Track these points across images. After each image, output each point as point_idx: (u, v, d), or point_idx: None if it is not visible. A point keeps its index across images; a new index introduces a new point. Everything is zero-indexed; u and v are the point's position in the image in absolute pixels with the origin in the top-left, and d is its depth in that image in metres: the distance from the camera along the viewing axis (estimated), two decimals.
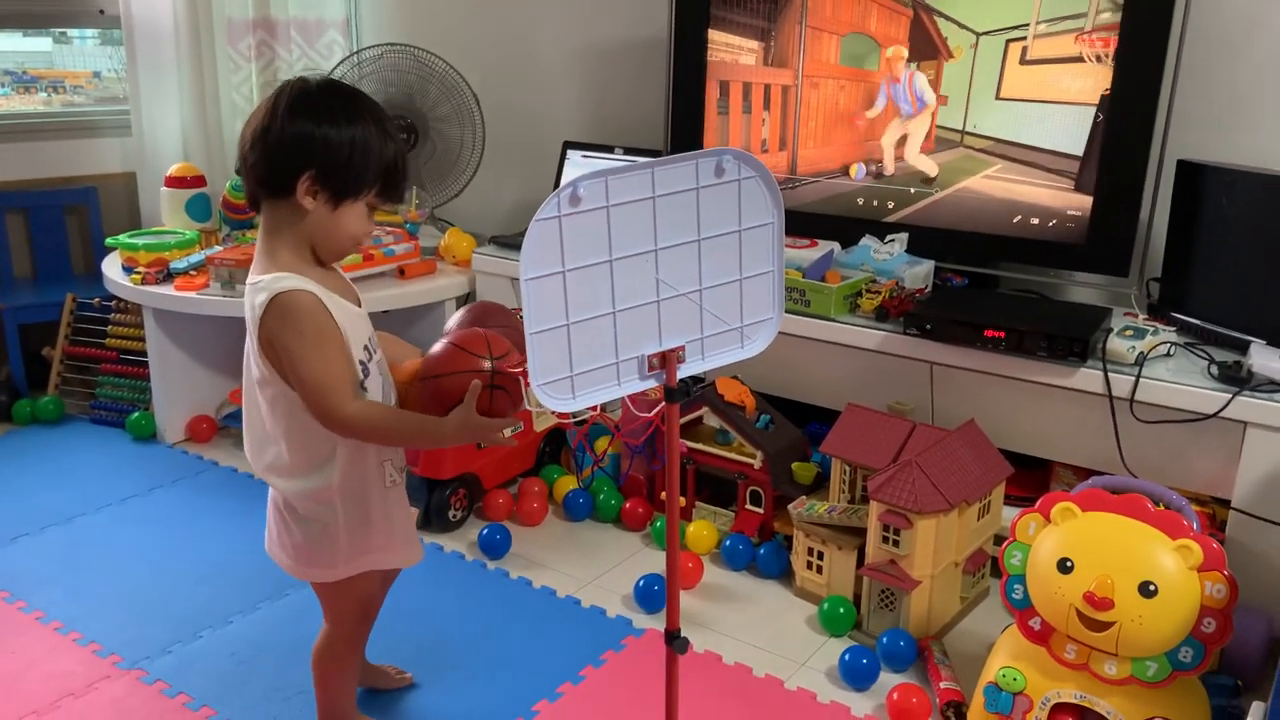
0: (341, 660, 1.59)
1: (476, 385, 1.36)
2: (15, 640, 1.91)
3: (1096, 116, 2.19)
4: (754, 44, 2.61)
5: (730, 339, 1.30)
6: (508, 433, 1.40)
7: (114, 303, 2.91)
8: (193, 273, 2.65)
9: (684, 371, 1.27)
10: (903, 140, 2.46)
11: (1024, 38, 2.26)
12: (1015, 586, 1.60)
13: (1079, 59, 2.20)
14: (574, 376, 1.19)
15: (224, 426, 2.86)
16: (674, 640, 1.33)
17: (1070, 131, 2.23)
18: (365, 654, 1.73)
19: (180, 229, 2.89)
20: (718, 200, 1.24)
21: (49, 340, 2.97)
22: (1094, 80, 2.18)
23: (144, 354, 2.78)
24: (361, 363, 1.41)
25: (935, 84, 2.39)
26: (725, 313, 1.29)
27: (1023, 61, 2.27)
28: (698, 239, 1.23)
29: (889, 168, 2.48)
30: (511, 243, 2.91)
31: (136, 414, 2.79)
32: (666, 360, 1.24)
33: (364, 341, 1.44)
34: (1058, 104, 2.24)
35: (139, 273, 2.65)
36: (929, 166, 2.43)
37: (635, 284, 1.20)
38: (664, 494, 2.38)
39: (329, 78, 1.41)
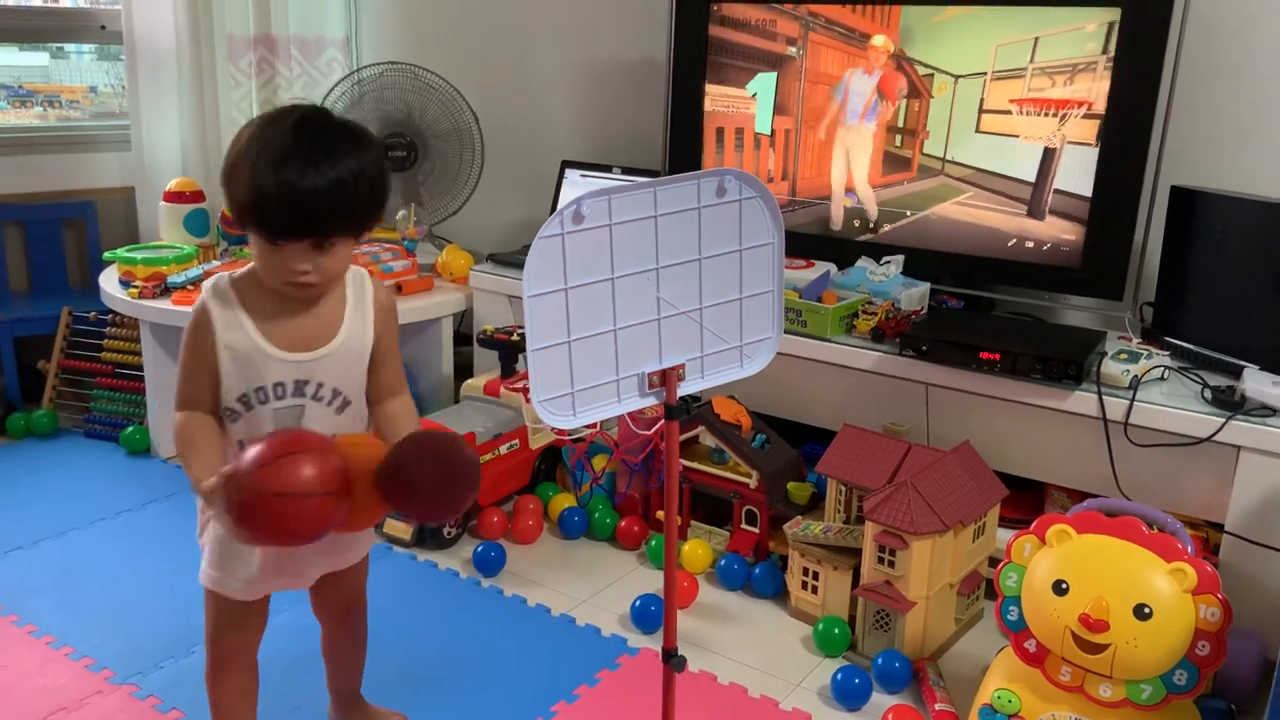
0: (210, 678, 1.48)
1: (228, 472, 1.19)
2: (7, 654, 1.90)
3: (1090, 143, 2.21)
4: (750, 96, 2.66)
5: (730, 357, 1.31)
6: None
7: (110, 316, 2.91)
8: (190, 287, 2.65)
9: (684, 389, 1.27)
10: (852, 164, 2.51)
11: (1015, 72, 2.29)
12: (1010, 608, 1.60)
13: (1047, 110, 2.23)
14: (575, 393, 1.20)
15: None
16: (671, 658, 1.33)
17: (1063, 161, 2.26)
18: (350, 692, 1.71)
19: (178, 244, 2.90)
20: (719, 220, 1.25)
21: (44, 354, 2.97)
22: (1089, 102, 2.21)
23: (140, 368, 2.78)
24: (242, 396, 1.31)
25: (920, 118, 2.42)
26: (725, 331, 1.30)
27: (994, 107, 2.30)
28: (699, 258, 1.25)
29: (838, 199, 2.52)
30: (509, 260, 2.92)
31: (131, 428, 2.78)
32: (667, 378, 1.25)
33: (268, 382, 1.32)
34: (1037, 137, 2.27)
35: (136, 287, 2.65)
36: (872, 200, 2.47)
37: (636, 302, 1.21)
38: (660, 513, 2.39)
39: (294, 105, 1.30)
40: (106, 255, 2.82)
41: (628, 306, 1.21)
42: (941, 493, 1.89)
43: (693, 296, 1.26)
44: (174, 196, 2.95)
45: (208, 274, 2.64)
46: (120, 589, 2.13)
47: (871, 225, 2.54)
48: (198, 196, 2.99)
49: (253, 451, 1.17)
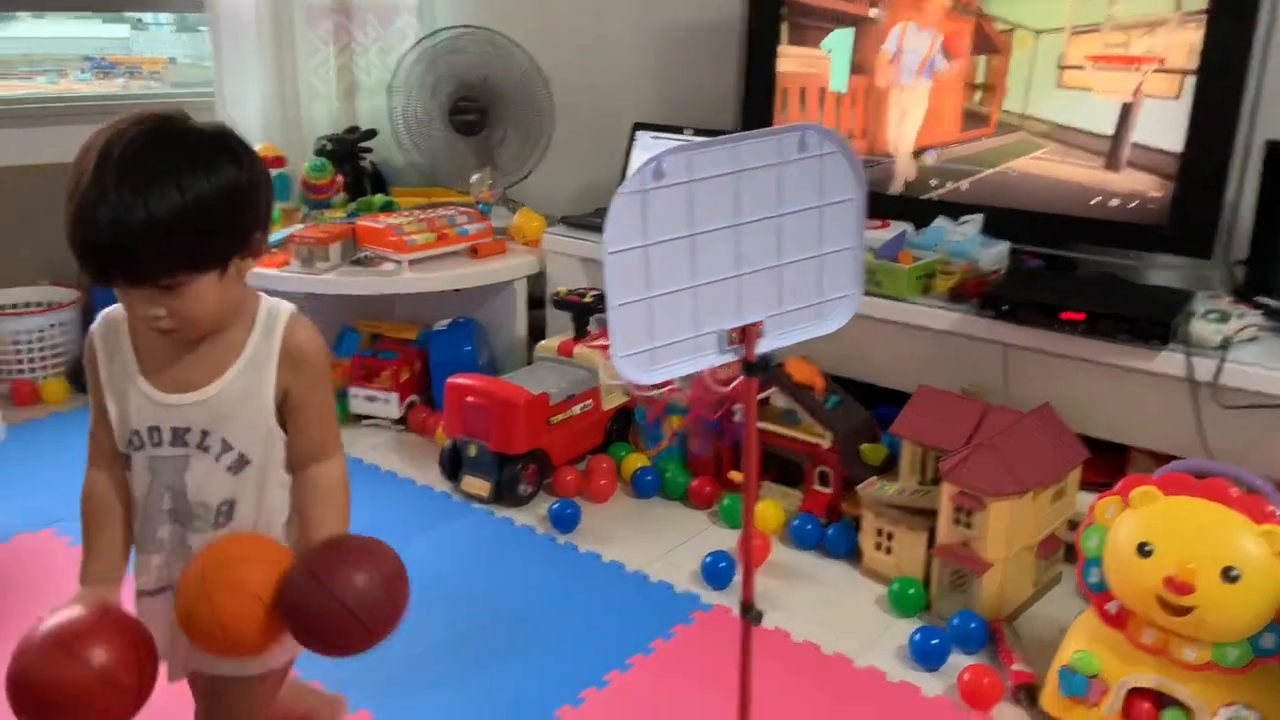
0: None
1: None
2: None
3: (1177, 97, 2.14)
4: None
5: (809, 315, 1.31)
6: None
7: None
8: (274, 250, 2.72)
9: (763, 346, 1.28)
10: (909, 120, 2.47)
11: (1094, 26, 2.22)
12: (1092, 570, 1.59)
13: (1134, 63, 2.15)
14: (654, 349, 1.21)
15: None
16: (748, 612, 1.34)
17: (1150, 112, 2.19)
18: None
19: None
20: (799, 176, 1.24)
21: None
22: (1175, 54, 2.13)
23: None
24: (127, 439, 1.18)
25: (998, 73, 2.36)
26: (804, 288, 1.29)
27: (1074, 62, 2.23)
28: (778, 214, 1.24)
29: (913, 157, 2.47)
30: (581, 223, 2.94)
31: None
32: (746, 335, 1.25)
33: (142, 425, 1.17)
34: (1127, 89, 2.20)
35: None
36: (949, 157, 2.42)
37: (715, 258, 1.22)
38: (732, 473, 2.40)
39: (136, 115, 1.09)
40: None
41: (707, 263, 1.21)
42: (1020, 454, 1.86)
43: (772, 253, 1.25)
44: None
45: (291, 238, 2.71)
46: None
47: (949, 184, 2.49)
48: (279, 162, 3.06)
49: (44, 624, 1.04)
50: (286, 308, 1.21)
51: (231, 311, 1.15)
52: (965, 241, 2.32)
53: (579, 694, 1.73)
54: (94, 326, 1.20)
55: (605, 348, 2.38)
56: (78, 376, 2.98)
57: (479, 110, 3.16)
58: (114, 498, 1.20)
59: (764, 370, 1.26)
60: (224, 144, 1.09)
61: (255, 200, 1.11)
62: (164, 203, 1.02)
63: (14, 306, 3.05)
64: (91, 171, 1.03)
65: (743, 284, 1.24)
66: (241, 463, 1.18)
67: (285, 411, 1.19)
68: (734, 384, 1.30)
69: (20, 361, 2.94)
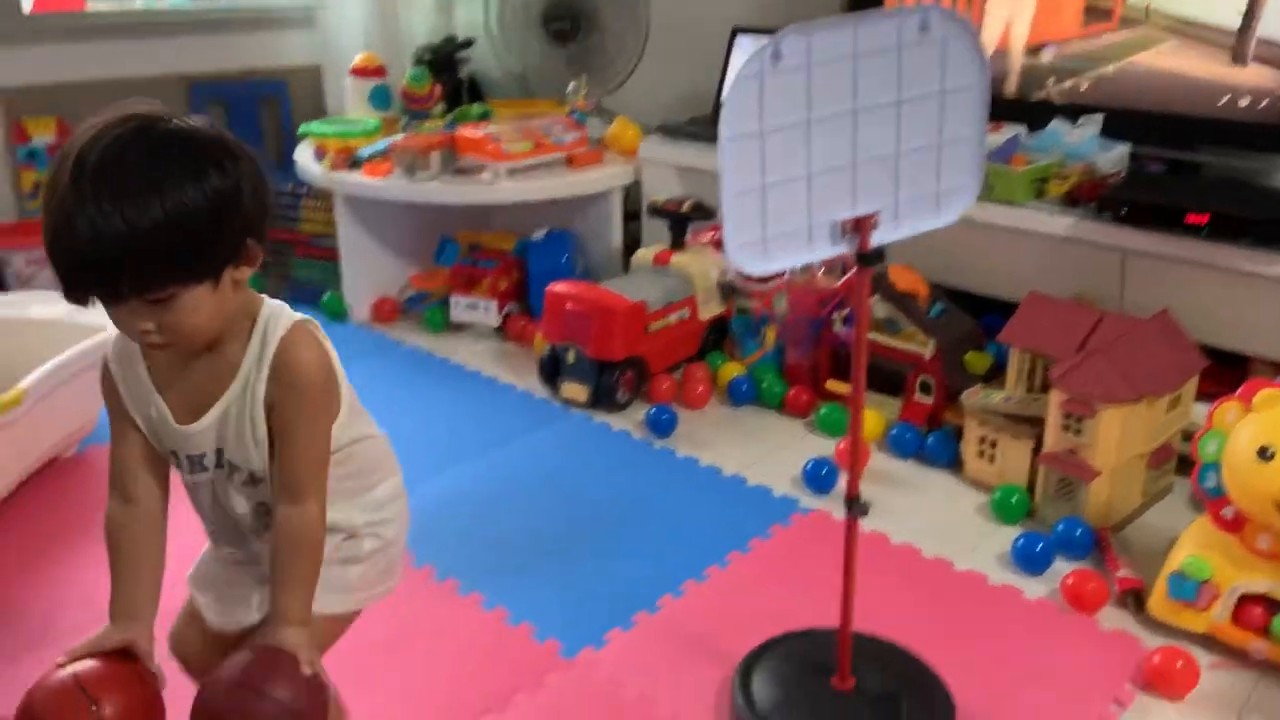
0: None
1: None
2: None
3: None
4: None
5: (926, 206, 1.28)
6: None
7: (305, 189, 3.08)
8: (377, 159, 2.77)
9: (877, 238, 1.26)
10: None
11: None
12: (1209, 475, 1.55)
13: None
14: (767, 239, 1.21)
15: (406, 309, 3.02)
16: (854, 505, 1.35)
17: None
18: None
19: (364, 118, 3.01)
20: (919, 61, 1.21)
21: None
22: None
23: (334, 238, 2.94)
24: (169, 451, 1.13)
25: None
26: (922, 178, 1.27)
27: None
28: (897, 101, 1.21)
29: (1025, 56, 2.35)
30: (678, 131, 2.91)
31: (328, 295, 2.97)
32: (860, 225, 1.24)
33: (166, 449, 1.13)
34: None
35: (329, 159, 2.79)
36: (1067, 55, 2.30)
37: (832, 147, 1.20)
38: (830, 382, 2.39)
39: (124, 112, 0.99)
40: (302, 129, 2.96)
41: (823, 151, 1.19)
42: (1135, 361, 1.81)
43: (890, 142, 1.23)
44: (359, 72, 3.07)
45: (392, 147, 2.75)
46: None
47: (1067, 83, 2.39)
48: (380, 72, 3.09)
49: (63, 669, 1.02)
50: (288, 319, 1.09)
51: (227, 322, 1.05)
52: (1083, 144, 2.23)
53: (680, 585, 1.78)
54: (107, 350, 1.12)
55: (713, 242, 2.36)
56: None
57: (573, 17, 3.13)
58: (135, 529, 1.13)
59: (879, 261, 1.24)
60: (211, 146, 0.99)
61: (245, 206, 1.00)
62: (145, 213, 0.92)
63: None
64: (68, 179, 0.93)
65: (859, 173, 1.23)
66: (254, 480, 1.12)
67: (272, 432, 1.08)
68: (847, 275, 1.29)
69: None
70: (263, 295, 1.12)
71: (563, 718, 1.48)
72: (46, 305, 2.25)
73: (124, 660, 1.06)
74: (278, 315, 1.09)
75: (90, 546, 1.93)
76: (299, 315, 1.11)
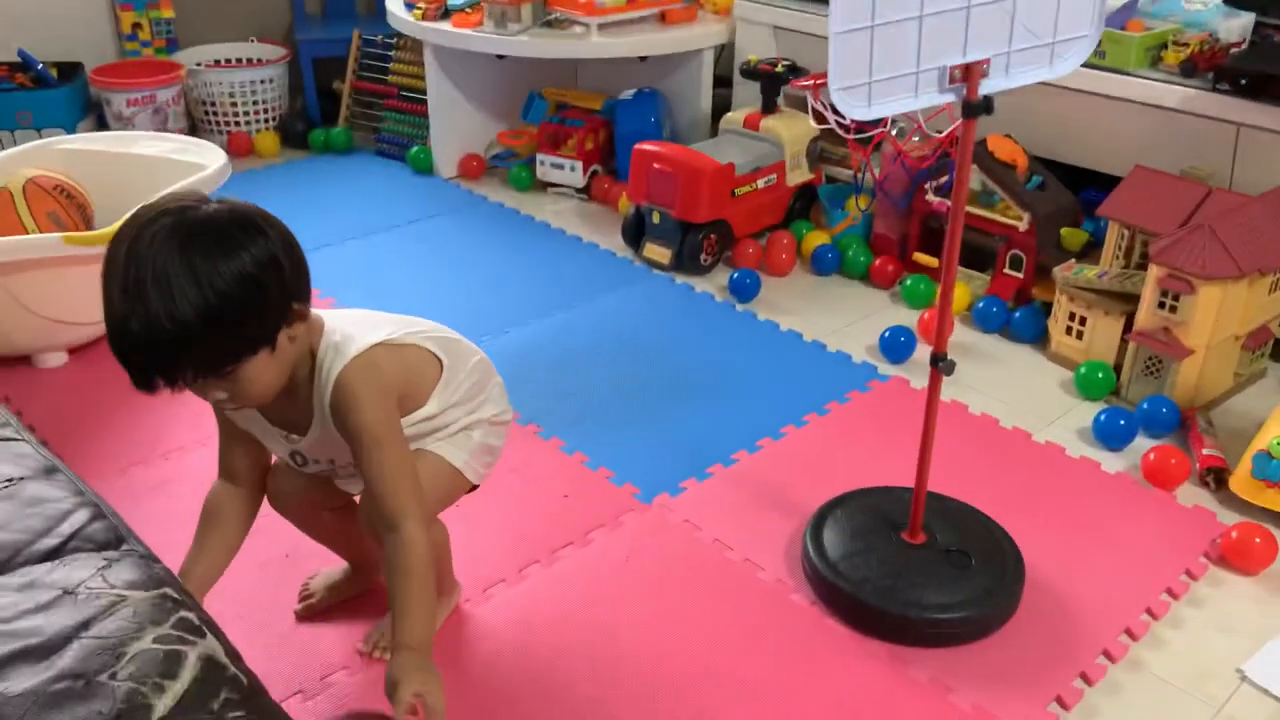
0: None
1: None
2: None
3: None
4: None
5: (1039, 55, 1.24)
6: None
7: (395, 39, 3.07)
8: (468, 10, 2.73)
9: (985, 87, 1.22)
10: None
11: None
12: None
13: None
14: (872, 83, 1.18)
15: (492, 166, 3.03)
16: (940, 362, 1.35)
17: None
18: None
19: None
20: None
21: (338, 75, 3.20)
22: None
23: (423, 92, 2.94)
24: (290, 454, 1.25)
25: None
26: (1038, 26, 1.21)
27: None
28: None
29: None
30: None
31: (416, 149, 2.99)
32: (970, 72, 1.20)
33: (284, 453, 1.26)
34: None
35: (420, 8, 2.77)
36: None
37: None
38: (918, 254, 2.35)
39: (167, 202, 1.04)
40: None
41: None
42: (1241, 238, 1.75)
43: None
44: None
45: None
46: (416, 284, 2.38)
47: None
48: None
49: None
50: (342, 359, 1.14)
51: (291, 369, 1.12)
52: (1205, 10, 2.10)
53: (756, 442, 1.81)
54: None
55: (812, 88, 2.28)
56: (287, 131, 3.15)
57: None
58: (228, 511, 1.25)
59: (986, 111, 1.21)
60: (241, 226, 1.02)
61: (283, 275, 1.05)
62: (190, 307, 0.97)
63: (226, 61, 3.21)
64: (117, 286, 0.98)
65: (972, 17, 1.18)
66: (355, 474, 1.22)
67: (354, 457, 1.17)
68: (954, 127, 1.26)
69: (236, 114, 3.11)
70: (323, 321, 1.16)
71: (639, 554, 1.55)
72: (150, 143, 2.31)
73: None
74: (338, 353, 1.14)
75: None
76: (352, 350, 1.14)
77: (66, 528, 0.97)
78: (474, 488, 1.35)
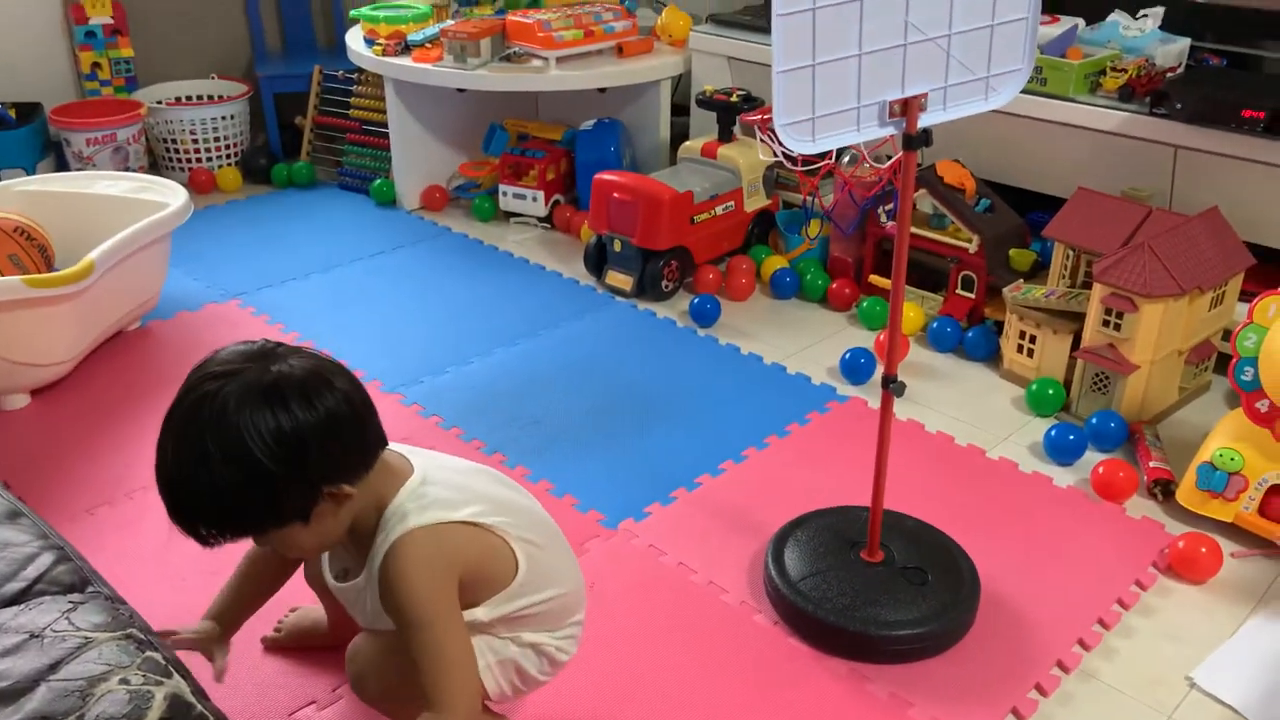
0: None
1: None
2: None
3: None
4: None
5: (975, 89, 1.29)
6: None
7: (356, 74, 3.10)
8: (428, 45, 2.77)
9: (925, 120, 1.27)
10: None
11: None
12: (1245, 369, 1.57)
13: None
14: (815, 119, 1.22)
15: (455, 197, 3.06)
16: (891, 384, 1.40)
17: None
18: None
19: (414, 3, 3.01)
20: None
21: (300, 110, 3.21)
22: None
23: (385, 125, 2.97)
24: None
25: None
26: (972, 61, 1.27)
27: None
28: None
29: None
30: (729, 21, 2.87)
31: (379, 181, 3.01)
32: (908, 107, 1.25)
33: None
34: None
35: (380, 44, 2.80)
36: None
37: (883, 26, 1.20)
38: (872, 276, 2.41)
39: (257, 348, 1.05)
40: (353, 13, 2.97)
41: (874, 30, 1.20)
42: (1180, 257, 1.81)
43: (942, 22, 1.23)
44: None
45: (444, 33, 2.75)
46: (381, 316, 2.39)
47: None
48: None
49: None
50: (403, 529, 1.07)
51: (340, 536, 1.08)
52: (1142, 37, 2.18)
53: (719, 465, 1.84)
54: None
55: (761, 124, 2.34)
56: (249, 166, 3.16)
57: None
58: (261, 567, 1.25)
59: (925, 143, 1.26)
60: (306, 389, 1.00)
61: (320, 454, 1.00)
62: (211, 479, 0.97)
63: (187, 98, 3.22)
64: (170, 424, 1.00)
65: (909, 55, 1.23)
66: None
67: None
68: (893, 160, 1.30)
69: (197, 151, 3.12)
70: (407, 473, 1.10)
71: (604, 580, 1.57)
72: (110, 183, 2.32)
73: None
74: (400, 519, 1.07)
75: (157, 411, 2.03)
76: (416, 523, 1.07)
77: (32, 571, 0.98)
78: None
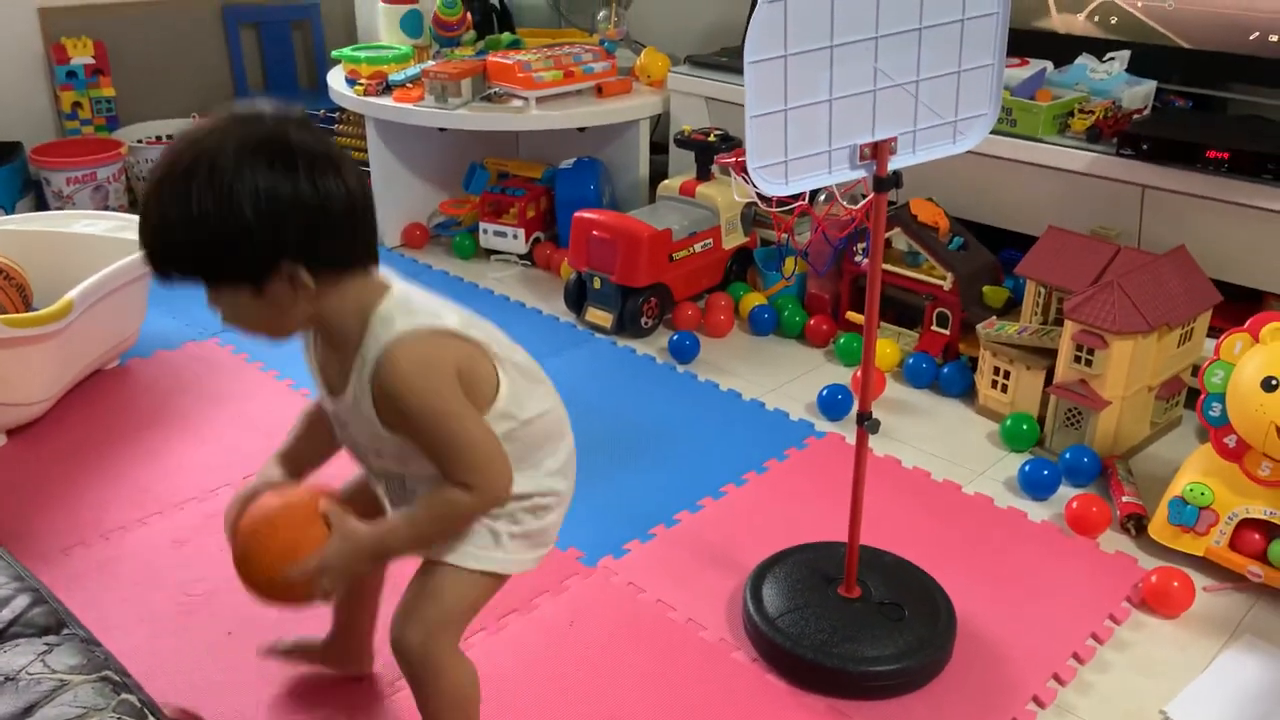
0: (455, 656, 1.33)
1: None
2: (253, 390, 2.19)
3: None
4: None
5: (943, 133, 1.32)
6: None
7: (338, 114, 3.12)
8: (409, 85, 2.80)
9: (894, 163, 1.30)
10: None
11: None
12: (1214, 404, 1.60)
13: None
14: (788, 162, 1.25)
15: (436, 235, 3.08)
16: (865, 420, 1.41)
17: None
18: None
19: (396, 44, 3.04)
20: None
21: None
22: None
23: (365, 164, 2.99)
24: None
25: None
26: (940, 105, 1.30)
27: None
28: (919, 27, 1.24)
29: None
30: (707, 62, 2.92)
31: None
32: (878, 150, 1.28)
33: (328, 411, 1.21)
34: None
35: (361, 84, 2.83)
36: None
37: (853, 72, 1.23)
38: (850, 314, 2.44)
39: (249, 111, 1.05)
40: (334, 54, 3.00)
41: (844, 77, 1.23)
42: (1149, 294, 1.85)
43: (910, 68, 1.26)
44: None
45: (425, 73, 2.78)
46: None
47: (1095, 18, 2.38)
48: None
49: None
50: (388, 337, 1.05)
51: (292, 331, 1.08)
52: (1109, 79, 2.23)
53: (698, 502, 1.85)
54: None
55: (735, 165, 2.37)
56: None
57: None
58: (317, 418, 1.23)
59: (895, 185, 1.29)
60: (314, 165, 1.00)
61: (296, 229, 1.00)
62: (173, 211, 0.98)
63: (168, 137, 3.24)
64: (183, 138, 1.02)
65: (879, 100, 1.26)
66: (380, 454, 1.15)
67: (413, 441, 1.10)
68: (864, 202, 1.33)
69: None
70: (387, 287, 1.09)
71: (584, 618, 1.57)
72: (89, 222, 2.33)
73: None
74: (386, 325, 1.06)
75: (134, 450, 2.03)
76: (406, 327, 1.06)
77: (7, 614, 0.98)
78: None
